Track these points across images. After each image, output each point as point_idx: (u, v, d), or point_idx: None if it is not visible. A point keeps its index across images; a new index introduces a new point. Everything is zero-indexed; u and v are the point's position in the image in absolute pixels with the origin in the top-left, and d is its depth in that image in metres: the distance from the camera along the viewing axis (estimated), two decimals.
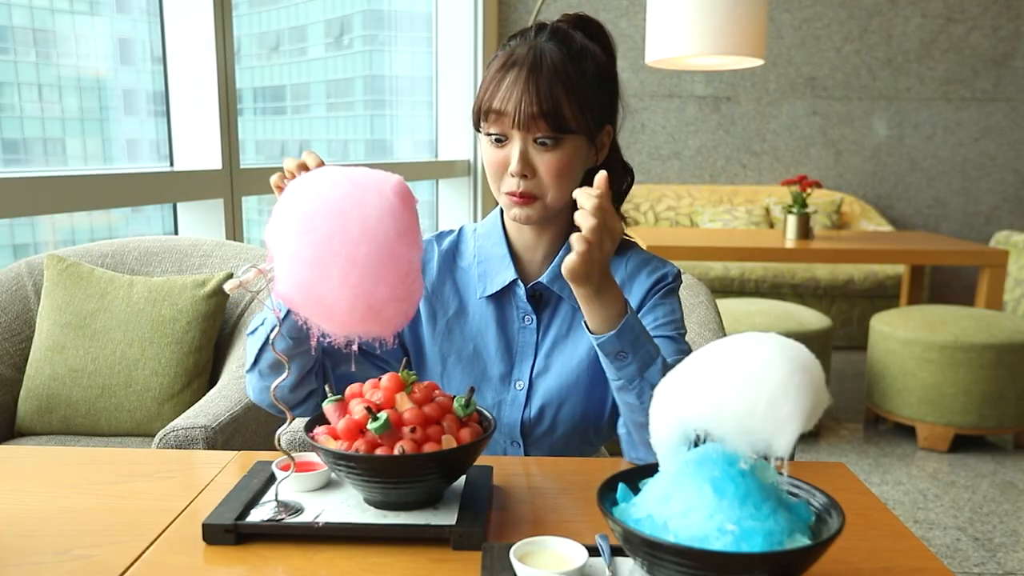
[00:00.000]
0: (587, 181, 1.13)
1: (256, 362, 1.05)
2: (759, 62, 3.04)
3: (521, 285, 1.14)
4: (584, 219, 0.91)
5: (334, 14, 4.14)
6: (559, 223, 1.14)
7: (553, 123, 1.02)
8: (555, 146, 1.04)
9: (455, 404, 0.88)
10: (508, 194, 1.07)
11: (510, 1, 4.69)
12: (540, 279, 1.13)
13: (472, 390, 0.91)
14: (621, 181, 1.18)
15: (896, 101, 4.90)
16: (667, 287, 1.15)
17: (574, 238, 0.91)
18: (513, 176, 1.05)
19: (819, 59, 4.87)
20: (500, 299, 1.15)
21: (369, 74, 4.30)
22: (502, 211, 1.17)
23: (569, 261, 0.92)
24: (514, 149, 1.05)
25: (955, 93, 4.88)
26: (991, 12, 4.79)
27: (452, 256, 1.19)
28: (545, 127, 1.03)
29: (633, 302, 1.14)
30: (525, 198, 1.06)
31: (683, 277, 1.54)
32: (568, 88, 1.03)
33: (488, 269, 1.15)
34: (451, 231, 1.22)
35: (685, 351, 1.09)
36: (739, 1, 2.84)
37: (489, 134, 1.07)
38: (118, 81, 2.77)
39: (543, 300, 1.15)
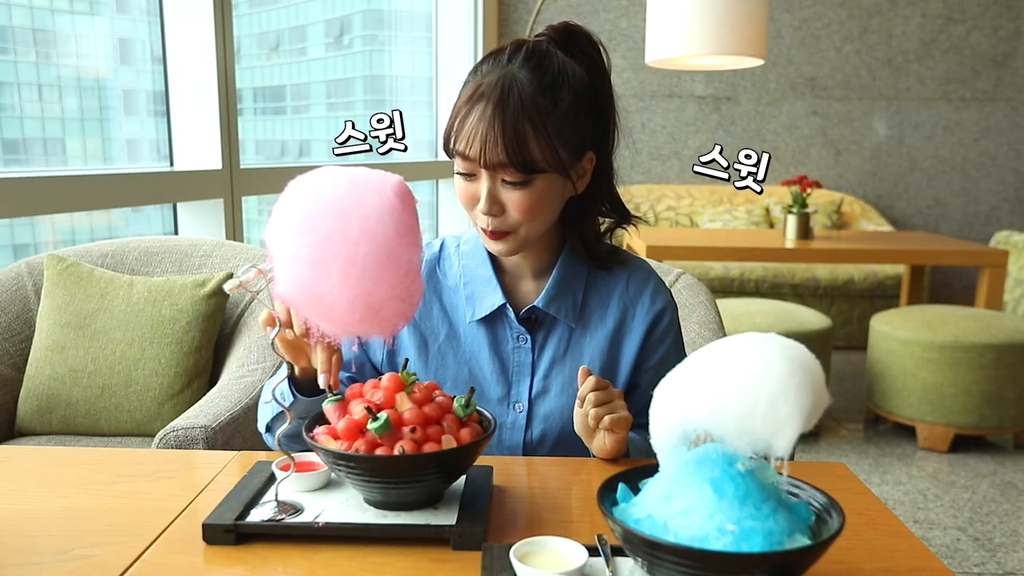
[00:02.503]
0: (568, 209, 1.10)
1: (268, 428, 1.08)
2: (759, 62, 3.04)
3: (510, 308, 1.10)
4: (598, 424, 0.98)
5: (334, 14, 4.14)
6: (544, 242, 1.11)
7: (520, 166, 0.97)
8: (524, 185, 1.00)
9: (455, 404, 0.88)
10: (482, 229, 1.05)
11: (510, 1, 4.69)
12: (535, 303, 1.10)
13: (472, 390, 0.90)
14: (593, 205, 1.11)
15: (896, 101, 4.90)
16: (666, 330, 1.14)
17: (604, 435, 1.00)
18: (483, 215, 1.02)
19: (819, 59, 4.87)
20: (491, 320, 1.12)
21: (369, 74, 4.30)
22: None
23: (607, 450, 1.00)
24: (482, 187, 1.01)
25: (955, 93, 4.88)
26: (991, 12, 4.79)
27: (435, 274, 1.15)
28: (512, 171, 0.98)
29: (636, 332, 1.13)
30: (497, 234, 1.03)
31: (684, 278, 1.55)
32: (537, 125, 0.97)
33: (475, 291, 1.12)
34: (430, 244, 1.17)
35: None
36: (739, 1, 2.84)
37: (459, 173, 1.03)
38: (118, 81, 2.78)
39: (538, 320, 1.12)
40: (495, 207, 1.01)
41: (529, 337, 1.11)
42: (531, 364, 1.11)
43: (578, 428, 1.02)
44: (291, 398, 0.98)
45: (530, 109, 0.97)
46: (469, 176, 1.02)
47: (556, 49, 1.03)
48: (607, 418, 0.96)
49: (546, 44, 1.03)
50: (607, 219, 1.15)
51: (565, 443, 1.11)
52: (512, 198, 1.01)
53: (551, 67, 1.00)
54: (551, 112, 0.99)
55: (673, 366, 1.13)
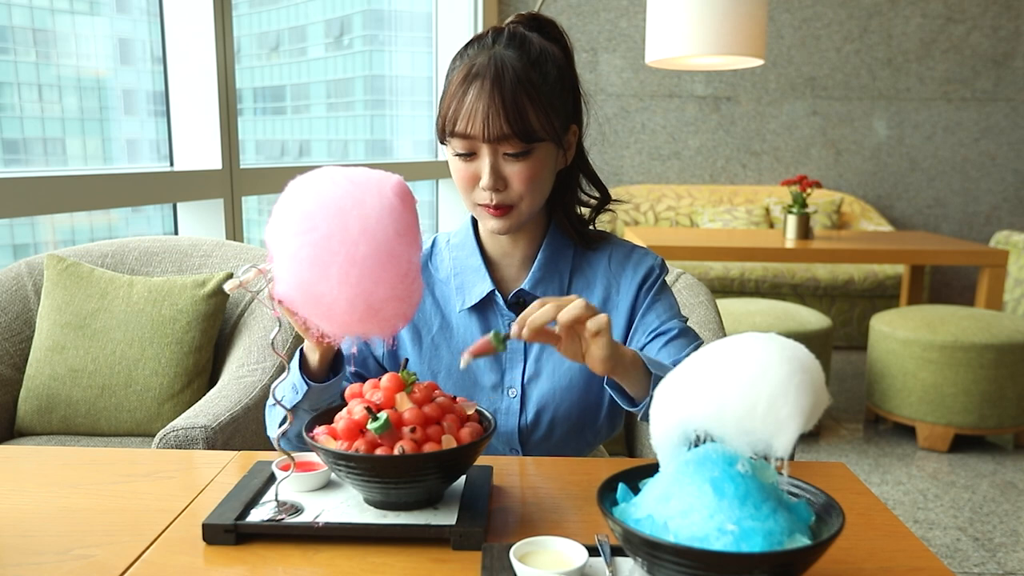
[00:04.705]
0: (560, 183, 1.13)
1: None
2: (759, 62, 3.04)
3: (499, 295, 1.13)
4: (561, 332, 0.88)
5: (334, 14, 4.14)
6: (532, 226, 1.14)
7: (522, 136, 1.01)
8: (525, 156, 1.03)
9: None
10: (483, 206, 1.06)
11: (510, 1, 4.69)
12: (523, 285, 1.12)
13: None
14: (574, 180, 1.15)
15: (896, 101, 4.90)
16: (655, 282, 1.15)
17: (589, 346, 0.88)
18: (486, 190, 1.04)
19: (819, 59, 4.87)
20: (482, 309, 1.14)
21: (369, 74, 4.30)
22: (473, 220, 1.17)
23: (598, 359, 0.88)
24: (484, 164, 1.03)
25: (955, 93, 4.88)
26: (991, 12, 4.79)
27: (427, 268, 1.18)
28: (516, 142, 1.02)
29: (624, 301, 1.14)
30: (501, 209, 1.06)
31: (684, 278, 1.55)
32: (532, 96, 1.01)
33: (465, 281, 1.14)
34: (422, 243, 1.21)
35: (693, 336, 1.12)
36: (739, 1, 2.84)
37: (458, 154, 1.05)
38: (118, 81, 2.78)
39: (526, 305, 1.11)
40: (499, 181, 1.04)
41: None
42: (523, 349, 1.13)
43: (570, 354, 0.92)
44: (305, 388, 0.99)
45: (524, 82, 1.01)
46: (468, 156, 1.05)
47: (530, 32, 1.08)
48: (589, 322, 0.87)
49: (522, 28, 1.09)
50: (590, 202, 1.18)
51: (559, 425, 1.13)
52: (514, 170, 1.04)
53: (533, 46, 1.05)
54: (542, 84, 1.03)
55: (668, 311, 1.12)
